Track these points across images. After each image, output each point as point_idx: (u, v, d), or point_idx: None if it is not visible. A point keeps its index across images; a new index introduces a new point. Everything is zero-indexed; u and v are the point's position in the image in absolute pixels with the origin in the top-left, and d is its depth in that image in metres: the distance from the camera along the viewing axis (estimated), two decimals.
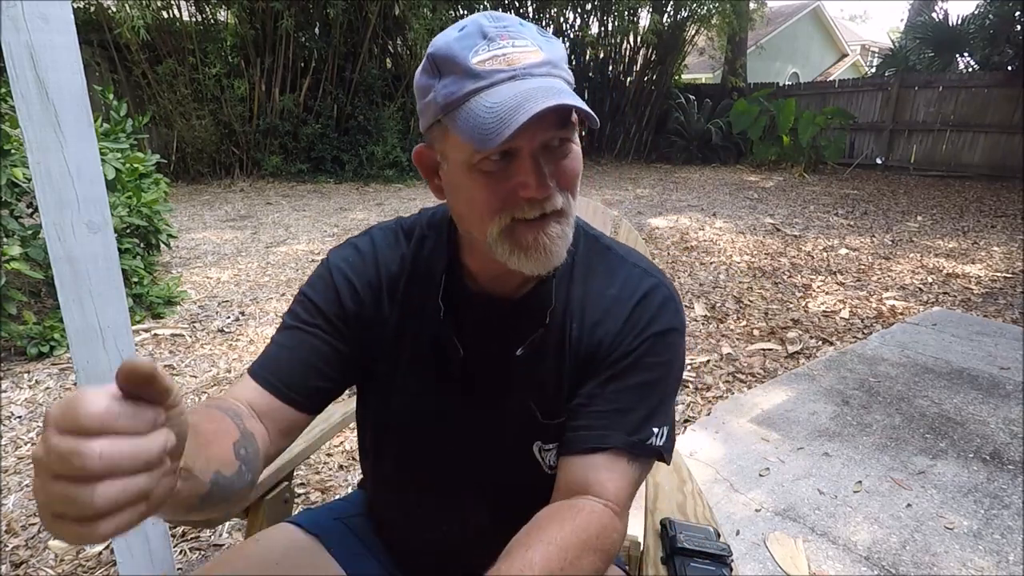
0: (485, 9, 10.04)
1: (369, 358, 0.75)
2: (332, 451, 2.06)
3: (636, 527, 0.87)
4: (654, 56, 11.45)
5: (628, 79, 11.69)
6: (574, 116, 0.62)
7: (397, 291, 0.75)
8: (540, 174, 0.60)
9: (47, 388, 2.45)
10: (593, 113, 0.59)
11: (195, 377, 2.61)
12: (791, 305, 3.62)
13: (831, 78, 14.68)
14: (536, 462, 0.75)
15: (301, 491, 1.86)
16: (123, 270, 2.30)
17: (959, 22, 10.36)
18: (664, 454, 0.70)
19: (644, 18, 10.87)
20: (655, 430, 0.69)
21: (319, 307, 0.73)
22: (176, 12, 8.06)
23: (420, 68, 0.63)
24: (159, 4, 7.80)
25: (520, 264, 0.63)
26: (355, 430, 0.88)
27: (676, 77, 12.21)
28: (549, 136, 0.60)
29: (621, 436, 0.68)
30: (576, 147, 0.64)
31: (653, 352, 0.70)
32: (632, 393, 0.69)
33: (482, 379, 0.73)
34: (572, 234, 0.66)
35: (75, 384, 2.00)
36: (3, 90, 2.72)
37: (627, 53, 11.57)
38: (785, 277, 4.17)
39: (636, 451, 0.68)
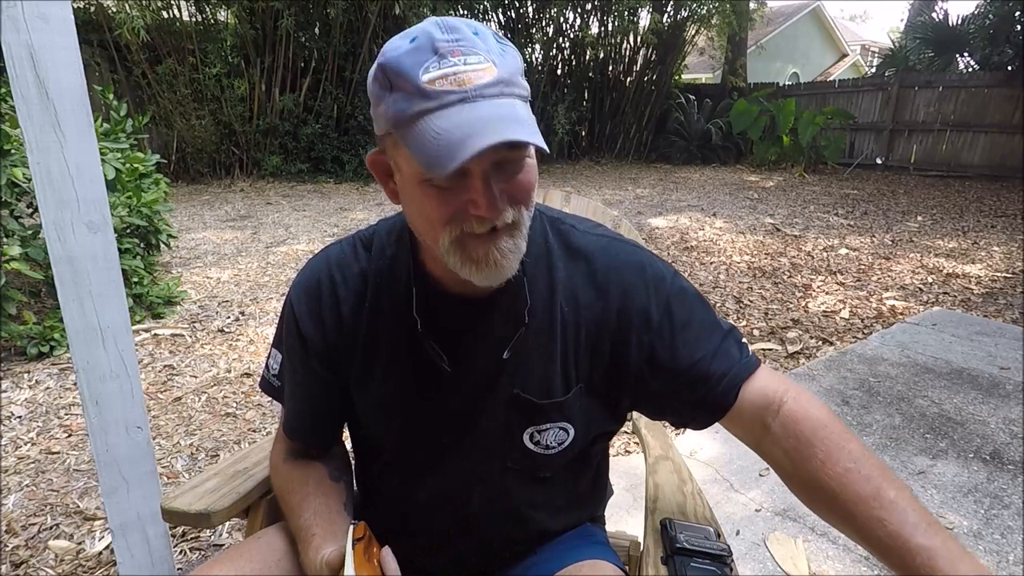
0: (485, 9, 10.04)
1: (347, 376, 0.76)
2: None
3: (636, 527, 0.87)
4: (654, 56, 11.45)
5: (628, 79, 11.68)
6: (540, 141, 0.60)
7: (363, 305, 0.74)
8: (490, 195, 0.59)
9: (47, 388, 2.45)
10: (543, 144, 0.57)
11: (195, 377, 2.61)
12: (791, 305, 3.62)
13: (831, 78, 14.69)
14: (528, 450, 0.75)
15: None
16: (123, 270, 2.30)
17: (959, 22, 10.36)
18: (760, 362, 0.75)
19: (644, 18, 10.87)
20: (743, 342, 0.75)
21: (299, 352, 0.77)
22: (176, 12, 8.06)
23: (371, 74, 0.61)
24: (159, 4, 7.80)
25: (471, 276, 0.63)
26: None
27: (676, 77, 12.21)
28: (500, 157, 0.59)
29: (739, 366, 0.72)
30: (530, 160, 0.63)
31: (679, 304, 0.73)
32: (702, 341, 0.72)
33: (467, 380, 0.73)
34: (525, 245, 0.65)
35: (75, 384, 2.00)
36: (3, 90, 2.72)
37: (627, 53, 11.57)
38: (785, 277, 4.17)
39: (754, 366, 0.73)
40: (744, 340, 0.76)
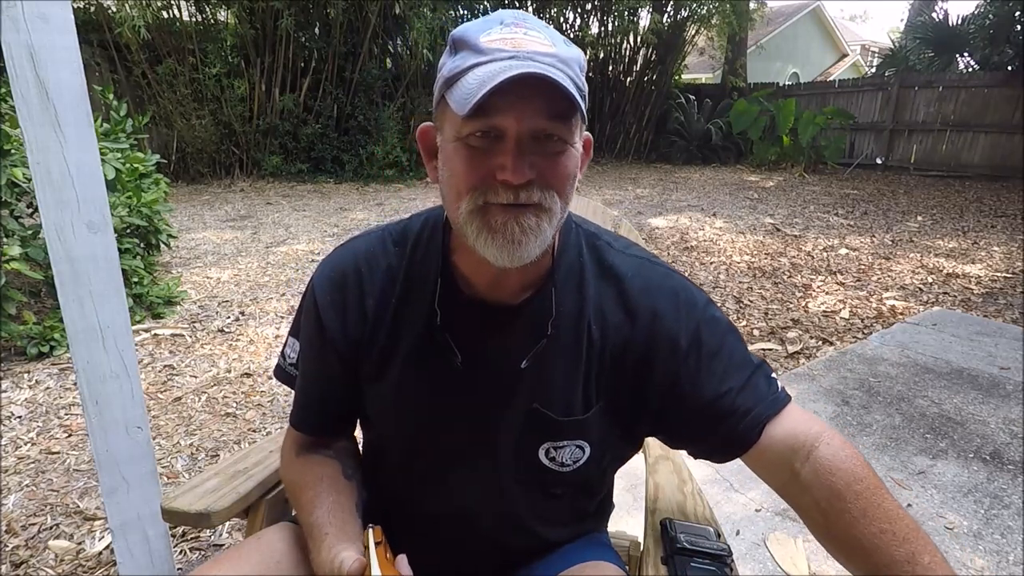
0: (485, 10, 10.05)
1: (365, 369, 0.76)
2: None
3: (636, 527, 0.87)
4: (654, 56, 11.45)
5: (628, 79, 11.68)
6: (575, 118, 0.61)
7: (390, 301, 0.74)
8: (518, 159, 0.58)
9: (47, 388, 2.45)
10: (582, 105, 0.58)
11: (195, 377, 2.61)
12: (791, 305, 3.62)
13: (831, 78, 14.68)
14: (542, 465, 0.74)
15: None
16: (123, 270, 2.30)
17: (959, 22, 10.36)
18: (785, 390, 0.73)
19: (644, 18, 10.87)
20: (771, 376, 0.72)
21: (316, 342, 0.76)
22: (176, 12, 8.06)
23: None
24: (159, 4, 7.80)
25: (485, 248, 0.62)
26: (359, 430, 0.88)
27: (676, 77, 12.21)
28: (538, 125, 0.59)
29: (765, 404, 0.69)
30: (573, 150, 0.63)
31: (709, 333, 0.71)
32: (734, 372, 0.70)
33: (483, 385, 0.72)
34: (552, 235, 0.63)
35: (75, 384, 2.00)
36: (3, 90, 2.72)
37: (627, 53, 11.57)
38: (785, 277, 4.17)
39: (782, 404, 0.70)
40: (774, 375, 0.73)
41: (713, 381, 0.70)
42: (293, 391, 0.83)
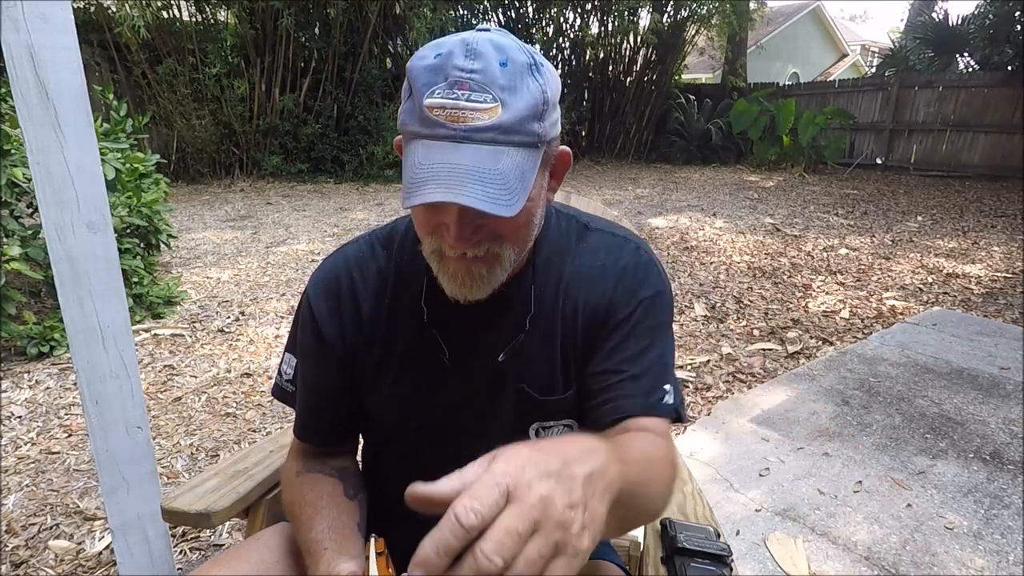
0: (485, 9, 10.05)
1: (363, 373, 0.76)
2: None
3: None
4: (654, 56, 11.45)
5: (628, 79, 11.68)
6: (514, 210, 0.58)
7: (383, 304, 0.75)
8: (460, 229, 0.60)
9: (47, 388, 2.45)
10: (497, 212, 0.56)
11: (195, 377, 2.61)
12: (791, 305, 3.62)
13: (831, 78, 14.68)
14: None
15: None
16: (123, 270, 2.30)
17: (959, 22, 10.35)
18: (680, 410, 0.73)
19: (644, 18, 10.87)
20: (666, 387, 0.72)
21: (316, 350, 0.76)
22: (176, 12, 8.05)
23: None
24: (159, 4, 7.79)
25: (444, 285, 0.67)
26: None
27: (676, 77, 12.20)
28: (478, 214, 0.58)
29: (638, 401, 0.69)
30: (528, 204, 0.61)
31: (647, 316, 0.72)
32: (636, 359, 0.71)
33: (471, 379, 0.74)
34: (506, 274, 0.66)
35: (75, 384, 2.00)
36: (3, 90, 2.72)
37: (627, 53, 11.56)
38: (785, 277, 4.17)
39: (655, 412, 0.70)
40: (677, 387, 0.73)
41: (617, 355, 0.71)
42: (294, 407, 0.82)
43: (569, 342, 0.74)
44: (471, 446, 0.75)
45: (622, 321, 0.72)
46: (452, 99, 0.57)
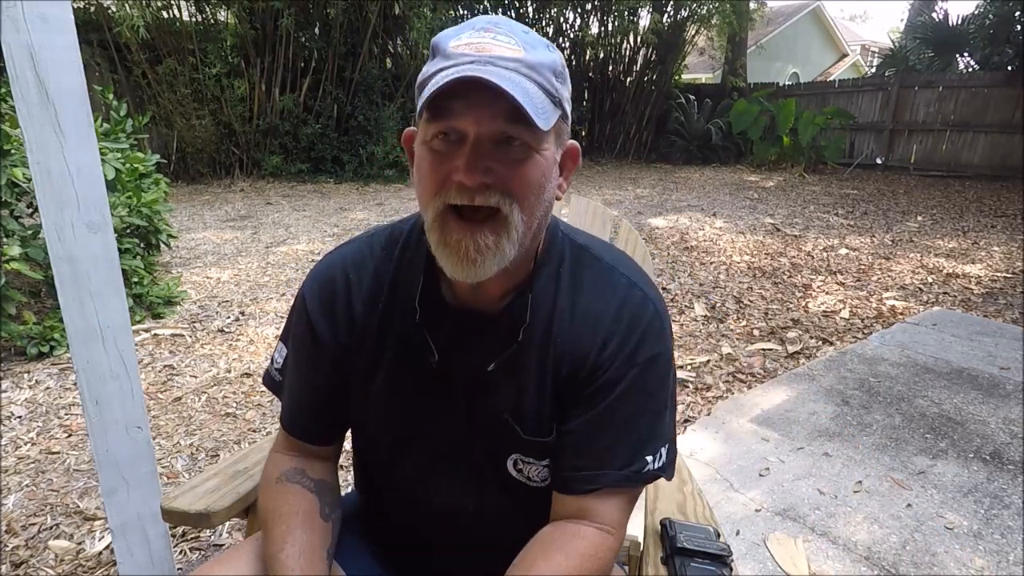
0: (485, 9, 10.05)
1: (352, 373, 0.76)
2: None
3: (636, 527, 0.86)
4: (654, 56, 11.45)
5: (628, 79, 11.68)
6: (542, 123, 0.58)
7: (377, 306, 0.74)
8: (473, 160, 0.58)
9: (47, 388, 2.45)
10: (529, 113, 0.55)
11: (195, 377, 2.61)
12: (791, 305, 3.62)
13: (831, 78, 14.68)
14: (511, 477, 0.74)
15: None
16: (123, 270, 2.30)
17: (959, 22, 10.36)
18: (663, 473, 0.71)
19: (644, 18, 10.87)
20: (648, 458, 0.69)
21: (309, 348, 0.76)
22: (176, 12, 8.06)
23: None
24: (159, 4, 7.79)
25: (443, 260, 0.63)
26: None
27: (676, 77, 12.21)
28: (497, 128, 0.58)
29: (614, 474, 0.68)
30: (540, 157, 0.61)
31: (641, 381, 0.68)
32: (622, 427, 0.68)
33: (457, 386, 0.72)
34: (513, 253, 0.62)
35: (75, 384, 2.00)
36: (3, 90, 2.72)
37: (627, 53, 11.57)
38: (785, 277, 4.17)
39: (631, 482, 0.69)
40: (664, 468, 0.71)
41: (602, 419, 0.68)
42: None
43: (551, 377, 0.70)
44: (451, 458, 0.75)
45: (614, 381, 0.67)
46: (477, 37, 0.60)
